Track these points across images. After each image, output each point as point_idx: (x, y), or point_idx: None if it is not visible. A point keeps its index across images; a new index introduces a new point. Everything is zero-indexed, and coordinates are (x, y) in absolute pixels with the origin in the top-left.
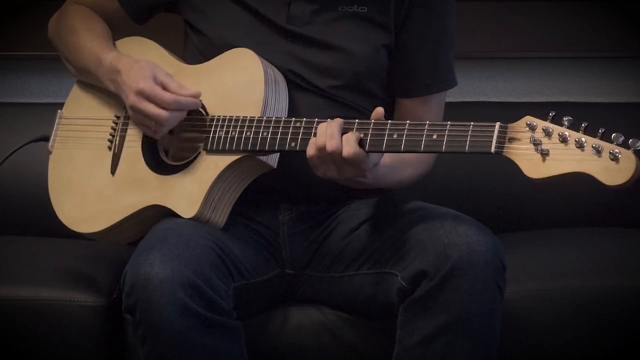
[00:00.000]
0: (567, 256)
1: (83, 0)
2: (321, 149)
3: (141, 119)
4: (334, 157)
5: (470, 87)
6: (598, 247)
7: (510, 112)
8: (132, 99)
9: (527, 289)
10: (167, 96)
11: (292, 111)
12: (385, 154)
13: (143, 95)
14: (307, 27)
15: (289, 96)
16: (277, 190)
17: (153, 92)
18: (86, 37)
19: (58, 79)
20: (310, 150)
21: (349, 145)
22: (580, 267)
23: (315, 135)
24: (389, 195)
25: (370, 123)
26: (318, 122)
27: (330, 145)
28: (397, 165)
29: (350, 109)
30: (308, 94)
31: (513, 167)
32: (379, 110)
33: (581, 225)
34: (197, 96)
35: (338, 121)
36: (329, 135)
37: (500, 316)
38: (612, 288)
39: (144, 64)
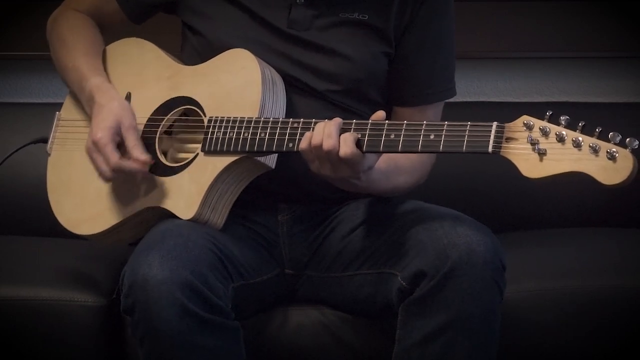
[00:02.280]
0: (567, 256)
1: (81, 2)
2: (317, 147)
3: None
4: (330, 156)
5: (470, 87)
6: (598, 247)
7: (510, 112)
8: (88, 143)
9: (527, 289)
10: (112, 159)
11: (291, 114)
12: (380, 160)
13: (96, 146)
14: (307, 32)
15: (287, 99)
16: (276, 190)
17: (104, 150)
18: (72, 54)
19: (58, 79)
20: (303, 144)
21: (346, 145)
22: (580, 267)
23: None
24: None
25: (367, 123)
26: (316, 123)
27: (327, 145)
28: (391, 171)
29: (349, 113)
30: (307, 97)
31: (513, 167)
32: (380, 115)
33: (581, 225)
34: (145, 163)
35: (337, 121)
36: (327, 134)
37: (500, 316)
38: (612, 288)
39: (115, 107)
